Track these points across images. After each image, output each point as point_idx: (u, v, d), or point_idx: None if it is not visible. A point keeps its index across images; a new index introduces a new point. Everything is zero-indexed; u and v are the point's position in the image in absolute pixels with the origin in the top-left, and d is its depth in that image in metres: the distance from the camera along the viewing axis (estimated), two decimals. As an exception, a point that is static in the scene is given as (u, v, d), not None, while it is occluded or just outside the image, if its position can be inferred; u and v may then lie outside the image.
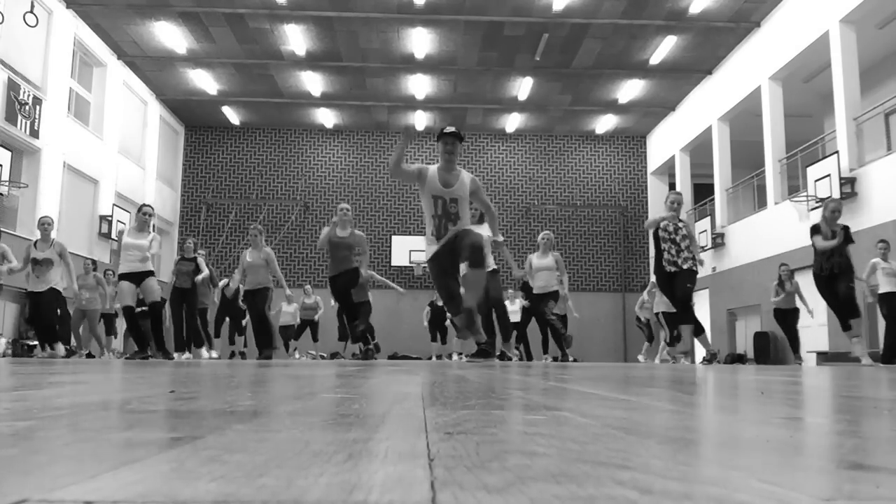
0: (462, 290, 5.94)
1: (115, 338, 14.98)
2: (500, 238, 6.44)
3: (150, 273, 8.26)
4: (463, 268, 5.90)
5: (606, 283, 21.24)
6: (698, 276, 8.27)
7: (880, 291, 9.53)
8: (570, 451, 0.79)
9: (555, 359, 11.07)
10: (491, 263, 7.98)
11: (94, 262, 12.68)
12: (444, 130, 5.80)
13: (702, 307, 18.88)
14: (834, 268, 8.21)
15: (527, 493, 0.56)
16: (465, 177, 5.88)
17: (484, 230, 8.03)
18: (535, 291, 9.58)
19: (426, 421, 1.13)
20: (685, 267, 7.81)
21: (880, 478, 0.66)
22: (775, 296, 11.60)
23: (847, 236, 8.21)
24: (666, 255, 7.88)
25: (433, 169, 5.85)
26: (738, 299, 16.31)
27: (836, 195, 12.22)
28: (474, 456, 0.75)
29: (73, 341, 12.25)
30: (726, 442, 1.00)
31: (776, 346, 14.61)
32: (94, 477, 0.61)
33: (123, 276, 8.21)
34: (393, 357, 18.04)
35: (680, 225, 7.90)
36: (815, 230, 8.35)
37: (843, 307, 8.23)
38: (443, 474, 0.64)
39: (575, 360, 13.36)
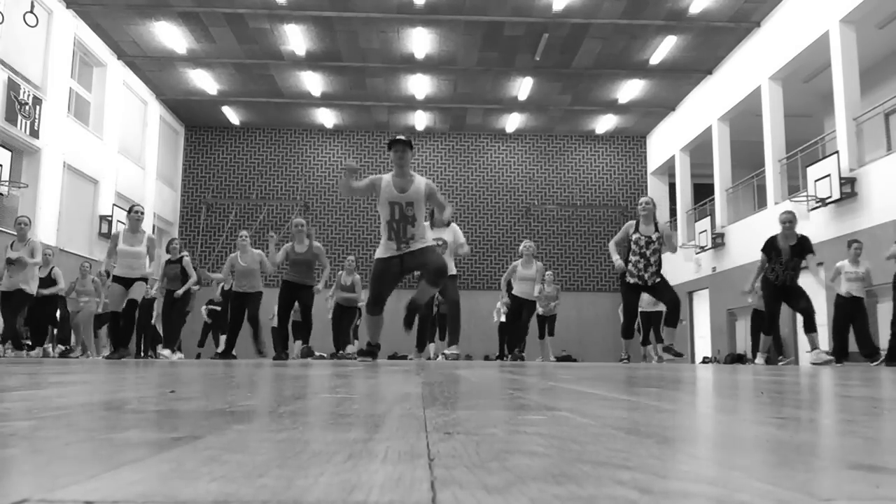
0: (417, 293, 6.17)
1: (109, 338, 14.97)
2: (448, 214, 6.26)
3: (143, 279, 8.42)
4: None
5: (606, 283, 21.23)
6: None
7: (840, 293, 9.48)
8: (570, 451, 0.79)
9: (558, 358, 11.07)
10: (452, 268, 7.81)
11: (91, 265, 12.59)
12: (395, 139, 5.93)
13: (702, 307, 18.87)
14: (787, 280, 8.24)
15: (527, 493, 0.56)
16: (420, 181, 5.96)
17: (446, 233, 7.88)
18: (517, 294, 10.15)
19: (426, 421, 1.13)
20: (649, 283, 7.77)
21: (880, 478, 0.66)
22: (753, 296, 11.14)
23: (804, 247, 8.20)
24: (631, 267, 7.81)
25: (387, 177, 5.95)
26: (739, 299, 16.26)
27: (836, 195, 12.23)
28: (474, 456, 0.75)
29: (73, 341, 12.25)
30: (726, 442, 1.00)
31: (777, 347, 14.58)
32: (94, 477, 0.61)
33: (117, 279, 8.34)
34: (392, 357, 18.02)
35: (653, 238, 7.77)
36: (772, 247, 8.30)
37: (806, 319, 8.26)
38: (443, 474, 0.64)
39: (575, 360, 13.37)
